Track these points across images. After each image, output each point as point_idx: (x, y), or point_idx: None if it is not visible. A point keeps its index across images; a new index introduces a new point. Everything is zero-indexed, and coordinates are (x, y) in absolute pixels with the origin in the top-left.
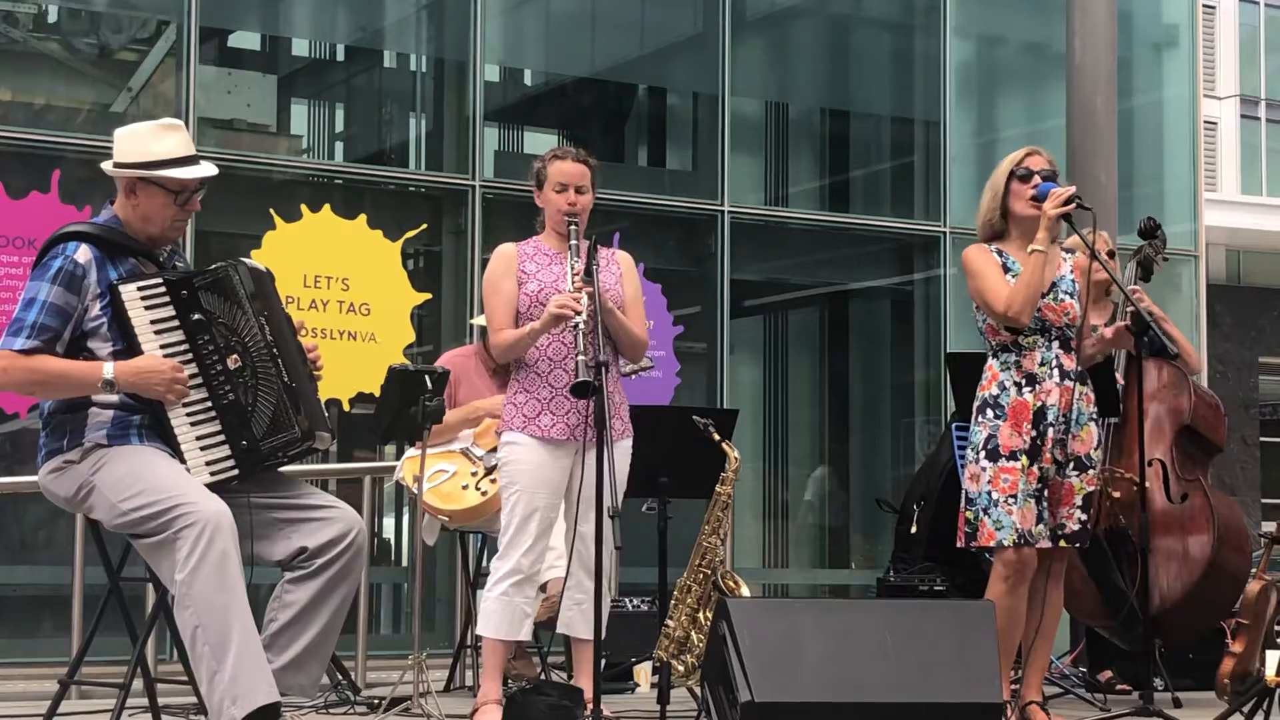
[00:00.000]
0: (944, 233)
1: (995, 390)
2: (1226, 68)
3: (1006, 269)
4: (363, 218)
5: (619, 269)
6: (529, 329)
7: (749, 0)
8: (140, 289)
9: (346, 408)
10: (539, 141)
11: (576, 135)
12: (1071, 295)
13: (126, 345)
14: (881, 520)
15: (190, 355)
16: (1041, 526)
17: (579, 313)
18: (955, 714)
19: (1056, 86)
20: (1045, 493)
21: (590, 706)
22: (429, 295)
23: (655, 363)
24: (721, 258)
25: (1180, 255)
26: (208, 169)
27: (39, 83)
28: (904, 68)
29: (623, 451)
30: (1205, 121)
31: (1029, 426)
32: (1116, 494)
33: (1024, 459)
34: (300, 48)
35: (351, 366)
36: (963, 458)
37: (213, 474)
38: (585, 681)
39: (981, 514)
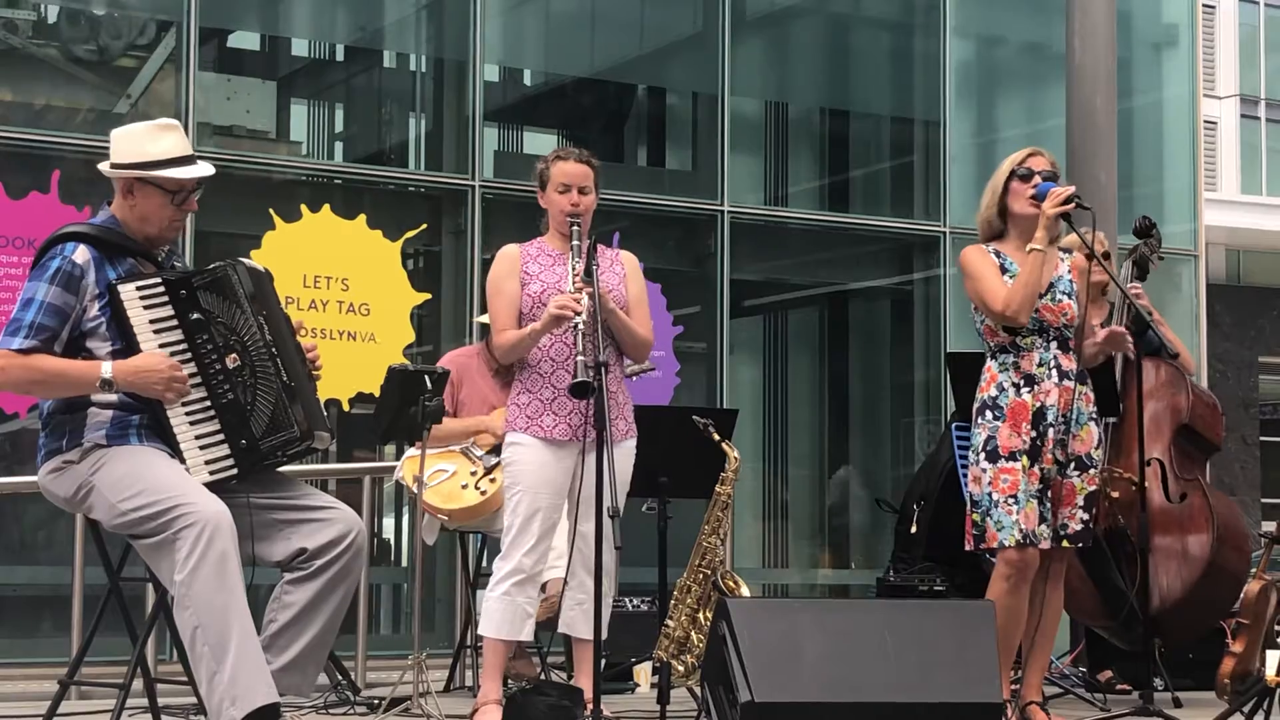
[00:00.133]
0: (944, 233)
1: (994, 392)
2: (1226, 67)
3: (1004, 269)
4: (362, 218)
5: (623, 269)
6: (530, 330)
7: (748, 0)
8: (139, 288)
9: (346, 408)
10: (539, 141)
11: (576, 135)
12: (1069, 295)
13: (125, 345)
14: (882, 520)
15: (189, 355)
16: (1044, 527)
17: (578, 313)
18: (955, 714)
19: (1056, 86)
20: (1047, 493)
21: (590, 706)
22: (428, 295)
23: (655, 363)
24: (721, 258)
25: (1180, 255)
26: (204, 169)
27: (39, 89)
28: (904, 67)
29: (626, 452)
30: (1205, 121)
31: (1028, 427)
32: (1115, 494)
33: (1024, 459)
34: (300, 48)
35: (351, 366)
36: (963, 459)
37: (212, 473)
38: (585, 681)
39: (985, 516)
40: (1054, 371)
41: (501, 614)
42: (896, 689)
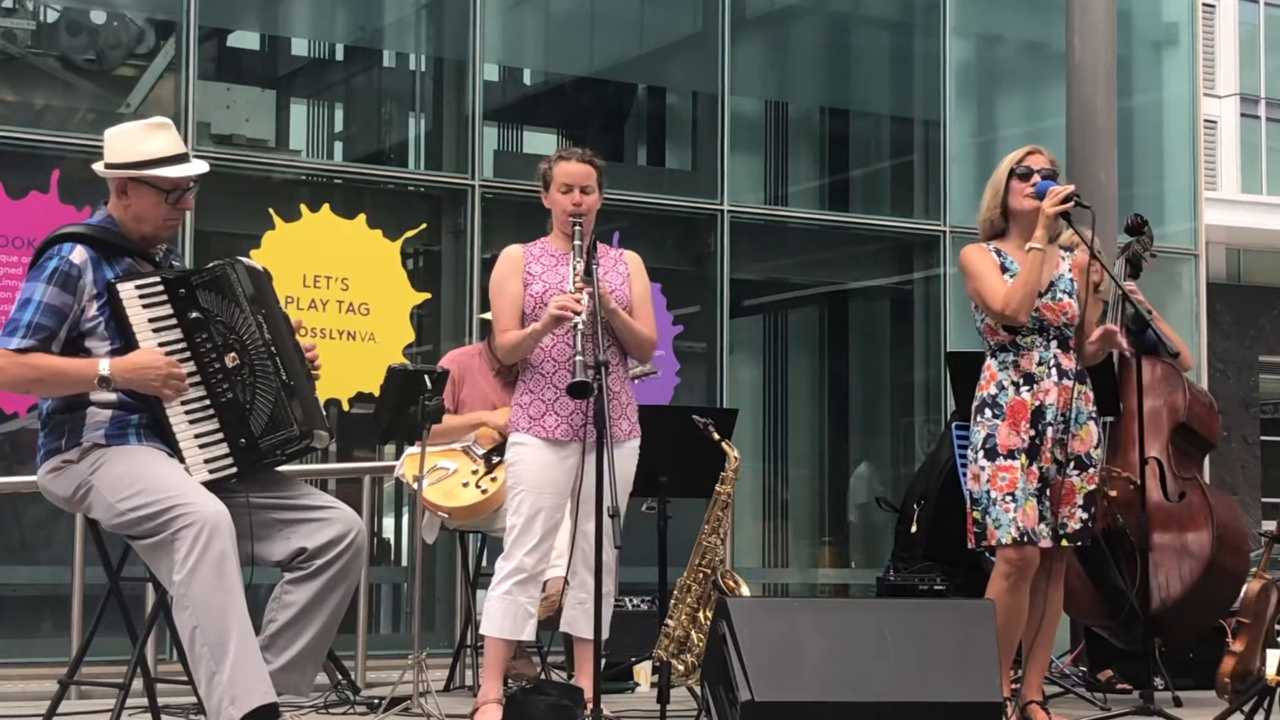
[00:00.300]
0: (944, 232)
1: (993, 390)
2: (1226, 66)
3: (1004, 268)
4: (362, 217)
5: (626, 269)
6: (530, 330)
7: (748, 0)
8: (138, 287)
9: (346, 408)
10: (538, 141)
11: (576, 135)
12: (1069, 294)
13: (124, 344)
14: (881, 519)
15: (188, 353)
16: (1043, 525)
17: (578, 313)
18: (955, 713)
19: (1056, 86)
20: (1046, 492)
21: (590, 706)
22: (428, 295)
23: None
24: (721, 257)
25: (1180, 254)
26: (198, 166)
27: (38, 97)
28: (903, 67)
29: (630, 452)
30: (1205, 120)
31: (1027, 426)
32: (1113, 493)
33: (1023, 458)
34: (299, 48)
35: (351, 366)
36: (963, 458)
37: (211, 472)
38: (585, 681)
39: (985, 514)
40: (1054, 370)
41: (503, 613)
42: (896, 688)
